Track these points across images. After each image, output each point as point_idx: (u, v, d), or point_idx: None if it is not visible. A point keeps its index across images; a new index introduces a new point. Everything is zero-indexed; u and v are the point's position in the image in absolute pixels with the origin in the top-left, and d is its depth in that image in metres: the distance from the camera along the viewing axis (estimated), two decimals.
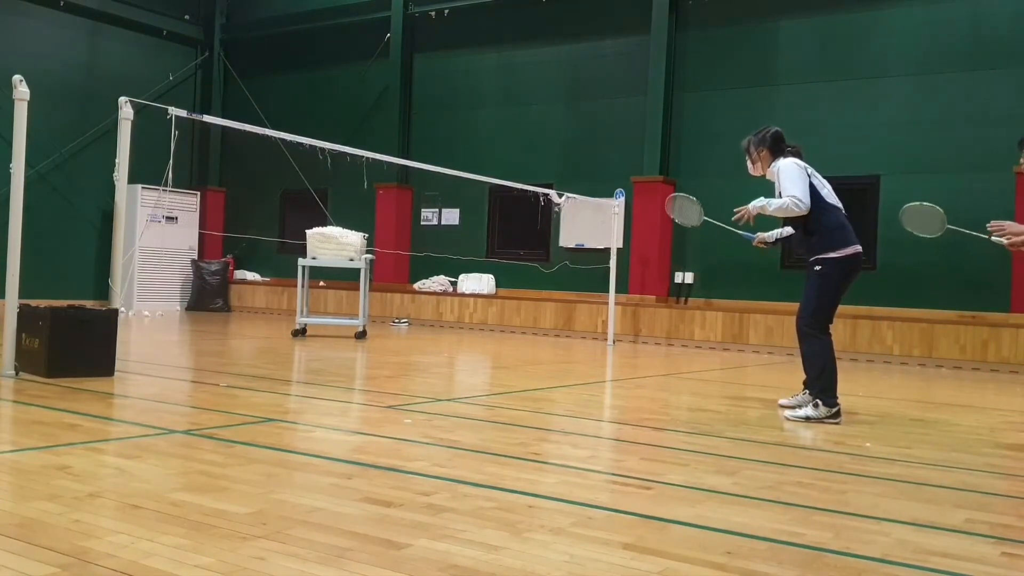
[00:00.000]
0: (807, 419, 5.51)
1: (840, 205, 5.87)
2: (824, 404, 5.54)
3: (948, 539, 2.94)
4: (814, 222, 5.74)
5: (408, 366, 8.26)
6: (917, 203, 6.45)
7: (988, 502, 3.55)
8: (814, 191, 5.77)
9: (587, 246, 13.67)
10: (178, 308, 16.34)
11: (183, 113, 7.68)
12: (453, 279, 14.94)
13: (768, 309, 11.88)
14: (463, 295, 14.48)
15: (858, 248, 5.74)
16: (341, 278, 14.03)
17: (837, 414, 5.54)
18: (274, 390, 6.03)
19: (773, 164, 6.02)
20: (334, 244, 10.98)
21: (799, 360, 6.18)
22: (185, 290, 16.54)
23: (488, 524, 2.86)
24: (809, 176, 5.83)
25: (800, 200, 5.62)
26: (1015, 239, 5.21)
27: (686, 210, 7.24)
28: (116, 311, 6.43)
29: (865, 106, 11.99)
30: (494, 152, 14.76)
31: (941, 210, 6.33)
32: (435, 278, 15.09)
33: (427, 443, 4.27)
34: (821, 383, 5.61)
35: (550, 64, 14.59)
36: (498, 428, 4.92)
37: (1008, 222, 5.31)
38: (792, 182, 5.69)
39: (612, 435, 5.11)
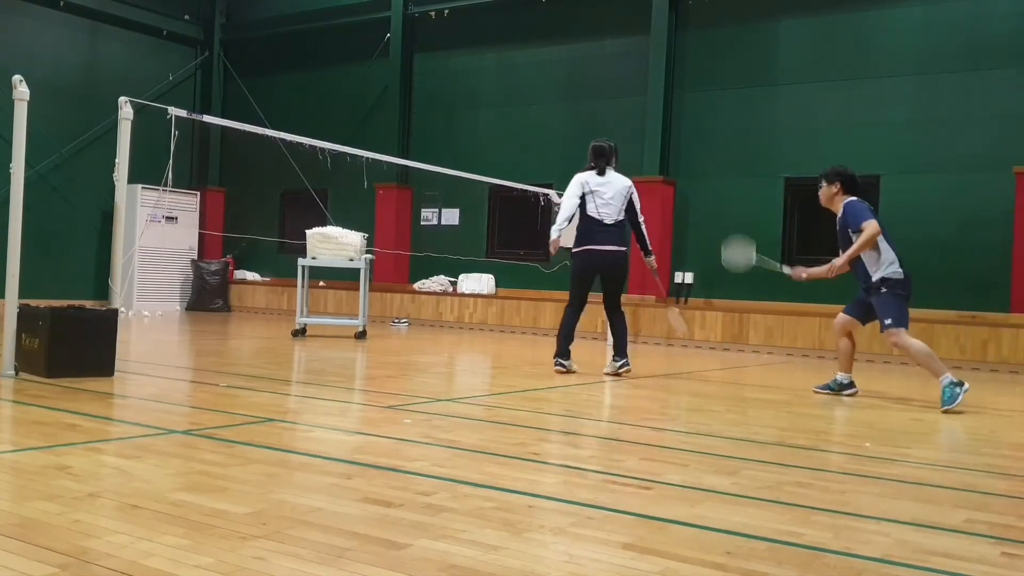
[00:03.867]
0: None
1: (598, 217, 7.52)
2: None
3: (948, 539, 2.94)
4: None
5: (408, 366, 8.26)
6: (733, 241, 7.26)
7: (988, 502, 3.55)
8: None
9: None
10: (178, 308, 16.34)
11: (183, 113, 7.69)
12: (453, 279, 14.94)
13: (768, 309, 11.88)
14: (463, 295, 14.48)
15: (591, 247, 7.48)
16: (341, 278, 14.03)
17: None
18: (274, 390, 6.03)
19: None
20: (334, 244, 10.98)
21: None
22: (185, 290, 16.54)
23: (488, 524, 2.86)
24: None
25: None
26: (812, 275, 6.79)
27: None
28: (116, 311, 6.43)
29: (865, 106, 12.00)
30: (494, 152, 14.76)
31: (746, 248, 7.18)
32: (435, 278, 15.09)
33: (427, 443, 4.27)
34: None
35: (550, 64, 14.59)
36: (498, 428, 4.92)
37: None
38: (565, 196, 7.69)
39: (612, 435, 5.11)
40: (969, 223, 11.26)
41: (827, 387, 6.92)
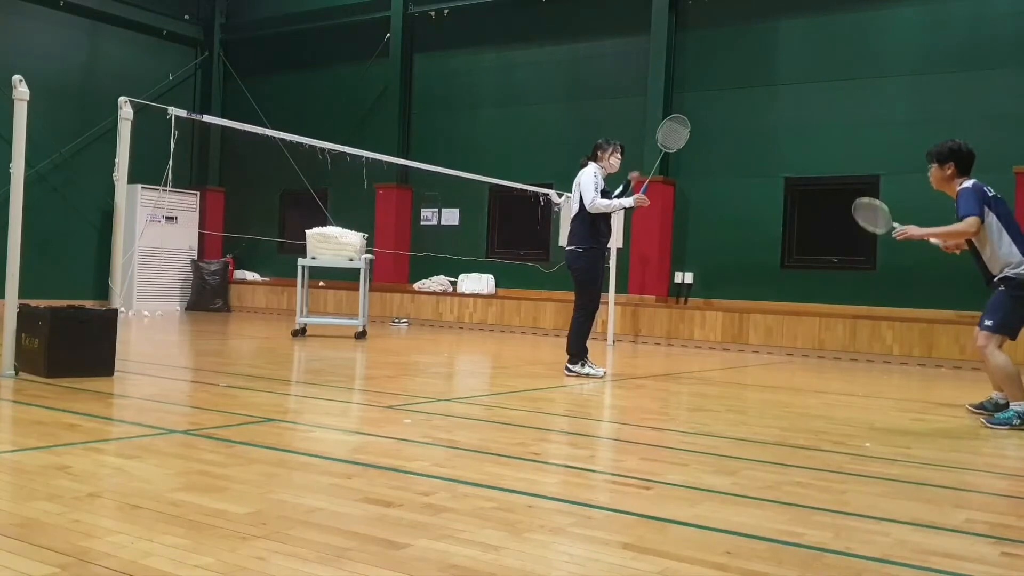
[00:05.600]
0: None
1: None
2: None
3: (948, 539, 2.94)
4: None
5: (408, 366, 8.26)
6: (868, 199, 6.31)
7: (988, 502, 3.56)
8: None
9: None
10: (178, 308, 16.34)
11: (183, 113, 7.68)
12: (453, 279, 14.94)
13: (768, 309, 11.87)
14: (463, 295, 14.47)
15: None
16: (341, 278, 14.02)
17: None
18: (274, 390, 6.03)
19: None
20: (334, 244, 10.98)
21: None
22: (185, 290, 16.54)
23: (488, 524, 2.86)
24: None
25: None
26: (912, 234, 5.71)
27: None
28: (116, 311, 6.43)
29: (865, 106, 11.99)
30: (494, 152, 14.76)
31: (887, 208, 6.19)
32: (435, 278, 15.09)
33: (427, 443, 4.27)
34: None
35: (550, 64, 14.59)
36: (498, 428, 4.92)
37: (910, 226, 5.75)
38: None
39: (612, 435, 5.11)
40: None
41: (981, 407, 6.02)
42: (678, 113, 8.47)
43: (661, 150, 8.49)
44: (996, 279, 5.67)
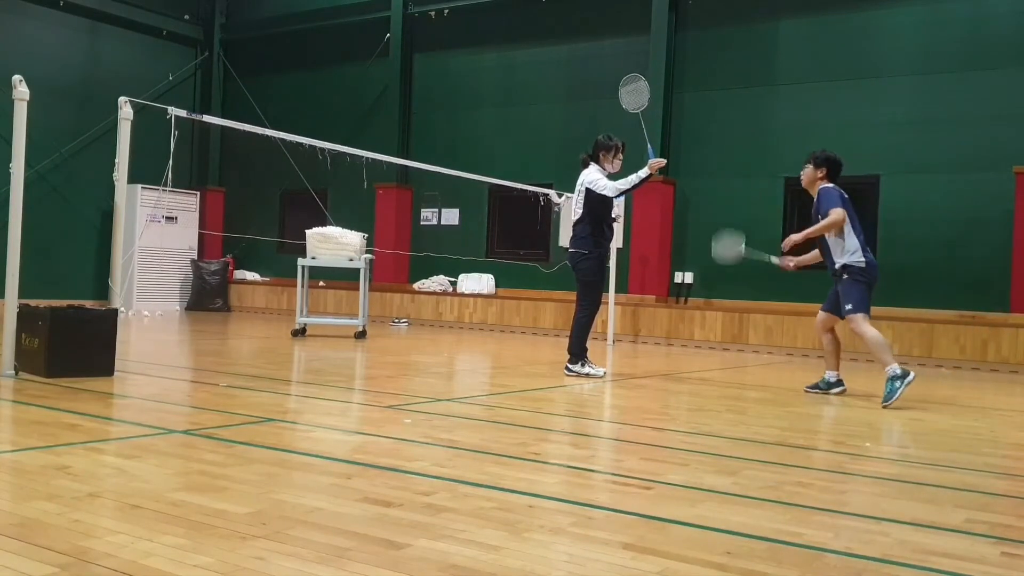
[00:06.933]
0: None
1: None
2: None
3: (948, 539, 2.94)
4: None
5: (408, 366, 8.26)
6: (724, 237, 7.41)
7: (988, 502, 3.55)
8: None
9: None
10: (178, 308, 16.34)
11: (183, 113, 7.67)
12: (453, 279, 14.94)
13: (768, 309, 11.87)
14: (463, 295, 14.48)
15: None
16: (341, 278, 14.03)
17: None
18: (274, 390, 6.03)
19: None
20: (334, 244, 10.98)
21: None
22: (185, 290, 16.54)
23: (488, 524, 2.86)
24: None
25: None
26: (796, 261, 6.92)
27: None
28: (116, 311, 6.43)
29: (865, 106, 11.99)
30: (494, 152, 14.76)
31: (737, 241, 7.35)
32: (435, 278, 15.09)
33: (427, 443, 4.27)
34: None
35: (550, 64, 14.59)
36: (498, 428, 4.92)
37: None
38: None
39: (612, 435, 5.11)
40: (969, 223, 11.26)
41: (816, 387, 7.01)
42: (636, 81, 8.75)
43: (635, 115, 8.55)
44: (839, 266, 6.57)
